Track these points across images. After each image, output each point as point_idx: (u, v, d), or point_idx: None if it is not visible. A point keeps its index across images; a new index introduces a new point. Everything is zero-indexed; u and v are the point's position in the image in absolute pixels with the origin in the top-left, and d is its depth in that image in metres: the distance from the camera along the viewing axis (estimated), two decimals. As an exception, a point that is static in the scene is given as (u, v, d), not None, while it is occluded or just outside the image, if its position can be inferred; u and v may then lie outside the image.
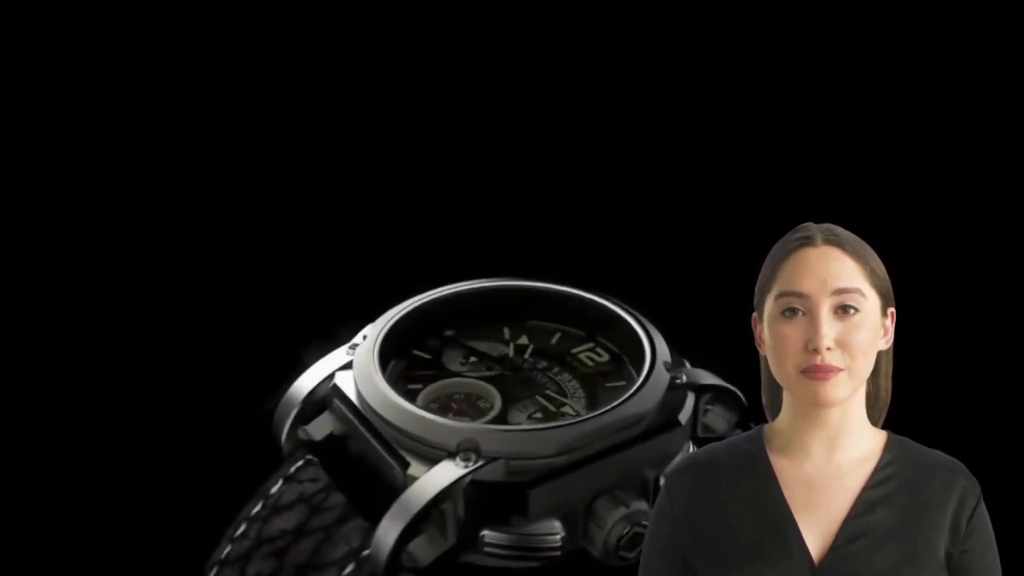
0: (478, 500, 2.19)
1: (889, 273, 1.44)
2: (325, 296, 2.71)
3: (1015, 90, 2.71)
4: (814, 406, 1.36)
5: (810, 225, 1.44)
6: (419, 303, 2.55)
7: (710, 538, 1.39)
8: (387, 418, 2.26)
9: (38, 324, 2.74)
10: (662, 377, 2.33)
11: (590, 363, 2.49)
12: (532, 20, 2.82)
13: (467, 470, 2.18)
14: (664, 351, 2.40)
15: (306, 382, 2.43)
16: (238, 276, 2.78)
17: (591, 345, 2.54)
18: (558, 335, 2.57)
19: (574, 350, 2.53)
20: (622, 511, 2.18)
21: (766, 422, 1.53)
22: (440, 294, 2.58)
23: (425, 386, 2.43)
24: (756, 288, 1.44)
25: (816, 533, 1.38)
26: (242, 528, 2.39)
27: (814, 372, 1.34)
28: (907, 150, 2.77)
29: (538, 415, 2.37)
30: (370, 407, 2.29)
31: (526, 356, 2.52)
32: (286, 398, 2.43)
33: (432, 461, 2.20)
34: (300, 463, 2.43)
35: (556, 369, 2.49)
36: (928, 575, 1.36)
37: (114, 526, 2.44)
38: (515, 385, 2.45)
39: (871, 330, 1.37)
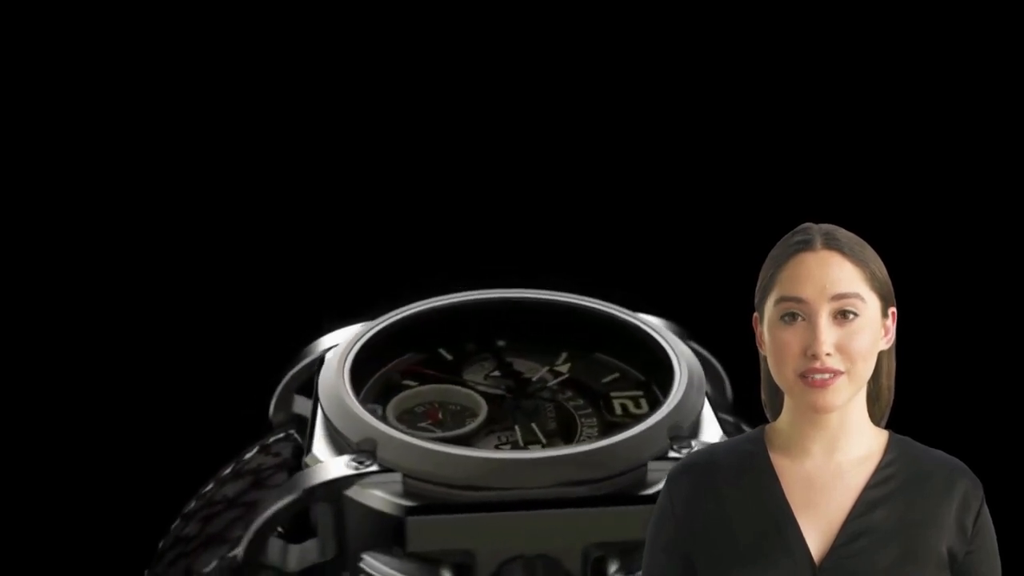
0: (359, 514, 1.84)
1: (890, 272, 1.40)
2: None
3: (1015, 90, 2.66)
4: (813, 412, 1.35)
5: (810, 226, 1.40)
6: (476, 299, 2.23)
7: (711, 537, 1.37)
8: (323, 401, 1.98)
9: (37, 324, 2.73)
10: (657, 442, 1.85)
11: (620, 411, 2.05)
12: (532, 20, 2.75)
13: (352, 472, 1.83)
14: (703, 422, 1.94)
15: (311, 350, 2.20)
16: (267, 269, 2.73)
17: (639, 393, 2.10)
18: (615, 375, 2.14)
19: (615, 393, 2.10)
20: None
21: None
22: (514, 296, 2.24)
23: (419, 385, 2.10)
24: (756, 289, 1.40)
25: (817, 532, 1.36)
26: (208, 487, 2.22)
27: (813, 379, 1.33)
28: (907, 150, 2.72)
29: (506, 445, 1.97)
30: (319, 388, 2.02)
31: (551, 383, 2.12)
32: (296, 364, 2.21)
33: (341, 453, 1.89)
34: (280, 436, 2.21)
35: (582, 403, 2.09)
36: (929, 574, 1.35)
37: (100, 520, 2.42)
38: (515, 409, 2.07)
39: (871, 334, 1.35)
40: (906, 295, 1.42)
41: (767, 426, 1.43)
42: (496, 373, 2.16)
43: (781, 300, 1.35)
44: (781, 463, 1.38)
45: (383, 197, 2.78)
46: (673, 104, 2.77)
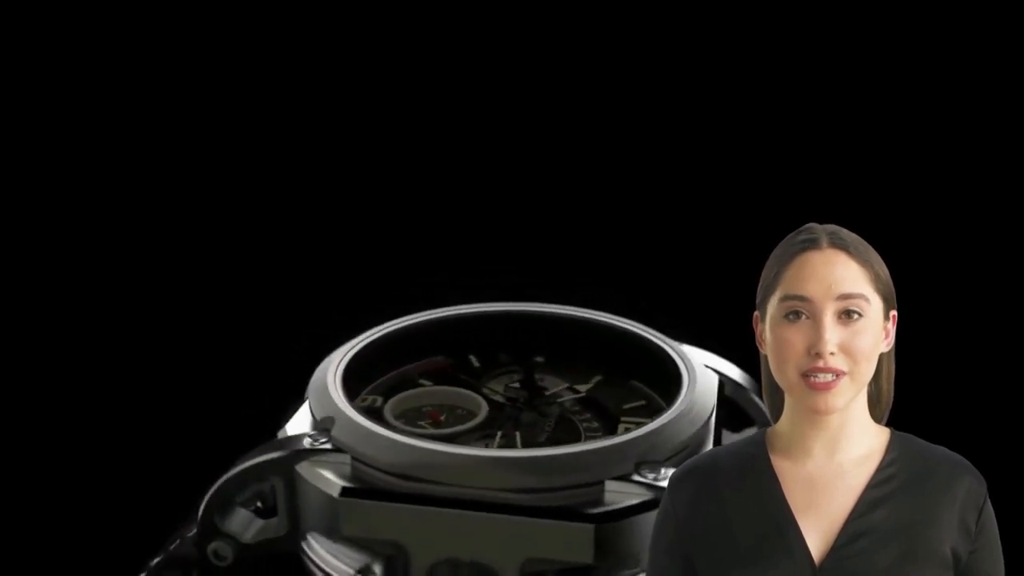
0: (306, 491, 1.80)
1: (892, 274, 1.39)
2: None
3: (1015, 90, 2.64)
4: (815, 414, 1.33)
5: (815, 226, 1.38)
6: (516, 311, 2.17)
7: (711, 539, 1.35)
8: (312, 379, 1.96)
9: (38, 325, 2.73)
10: (620, 463, 1.73)
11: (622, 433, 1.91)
12: (533, 21, 2.70)
13: (304, 447, 1.80)
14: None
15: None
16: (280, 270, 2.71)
17: (647, 420, 1.94)
18: (641, 403, 2.03)
19: (627, 417, 1.99)
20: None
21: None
22: (557, 312, 2.18)
23: (431, 385, 2.05)
24: (758, 288, 1.39)
25: (818, 533, 1.34)
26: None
27: (816, 380, 1.31)
28: (908, 150, 2.70)
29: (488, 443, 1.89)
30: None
31: (565, 399, 2.03)
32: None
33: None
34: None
35: (595, 424, 1.98)
36: (931, 574, 1.33)
37: (99, 521, 2.41)
38: (512, 418, 1.98)
39: (874, 335, 1.34)
40: (906, 296, 1.41)
41: (768, 429, 1.42)
42: (516, 384, 2.08)
43: (785, 298, 1.33)
44: (782, 465, 1.37)
45: (385, 199, 2.75)
46: (673, 104, 2.74)
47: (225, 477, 1.83)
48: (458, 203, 2.69)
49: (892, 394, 1.43)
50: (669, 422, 1.82)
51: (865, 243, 1.37)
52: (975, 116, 2.65)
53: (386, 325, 2.12)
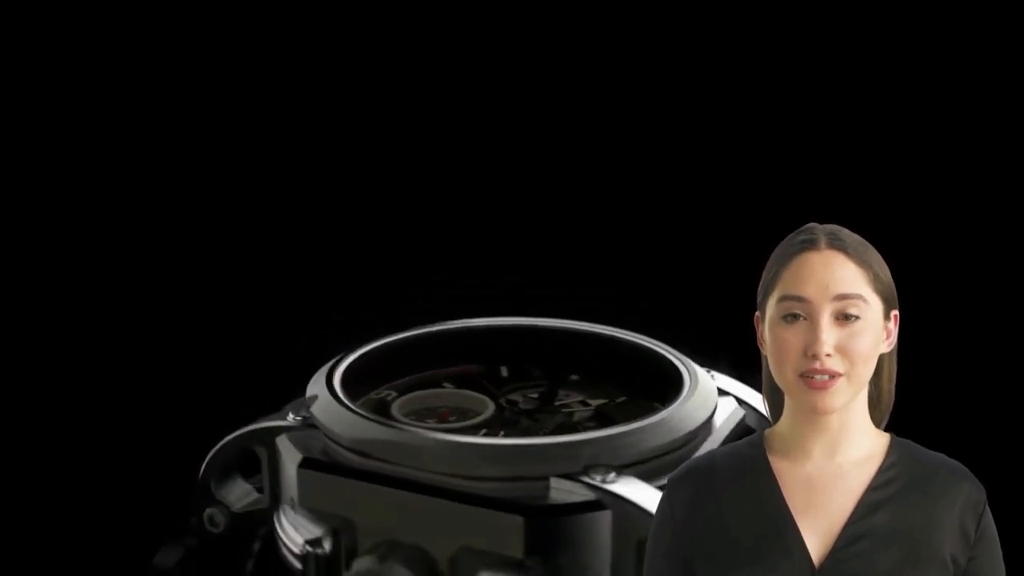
0: (279, 464, 1.86)
1: (893, 274, 1.39)
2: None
3: (1015, 90, 2.65)
4: (813, 414, 1.33)
5: (814, 226, 1.38)
6: (552, 327, 2.17)
7: (710, 541, 1.35)
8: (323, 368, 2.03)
9: (37, 326, 2.75)
10: (567, 462, 1.71)
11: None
12: (532, 22, 2.68)
13: (285, 422, 1.87)
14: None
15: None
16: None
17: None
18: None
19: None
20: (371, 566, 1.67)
21: None
22: (594, 331, 2.16)
23: (451, 388, 2.08)
24: (759, 288, 1.39)
25: (817, 535, 1.33)
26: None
27: (813, 380, 1.31)
28: (908, 150, 2.70)
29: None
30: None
31: (574, 411, 2.02)
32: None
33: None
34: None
35: None
36: None
37: (99, 519, 2.46)
38: (509, 422, 1.98)
39: (872, 336, 1.33)
40: (907, 297, 1.40)
41: (766, 430, 1.41)
42: (534, 395, 2.08)
43: (783, 299, 1.33)
44: (781, 466, 1.36)
45: (385, 199, 2.75)
46: (673, 104, 2.72)
47: (218, 446, 1.93)
48: (458, 203, 2.70)
49: (893, 395, 1.42)
50: (629, 431, 1.78)
51: (865, 243, 1.37)
52: (975, 116, 2.63)
53: (422, 328, 2.17)
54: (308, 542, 1.78)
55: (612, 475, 1.71)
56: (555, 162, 2.67)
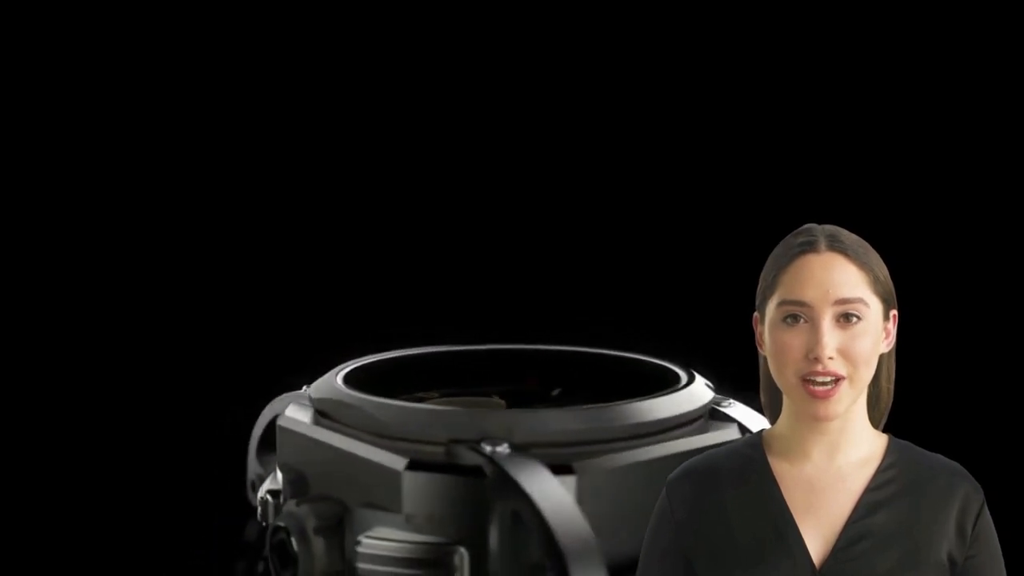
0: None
1: (891, 274, 1.41)
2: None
3: (1015, 90, 2.72)
4: (815, 421, 1.37)
5: (813, 228, 1.39)
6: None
7: (711, 542, 1.37)
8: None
9: (38, 328, 2.81)
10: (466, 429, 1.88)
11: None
12: (532, 30, 2.79)
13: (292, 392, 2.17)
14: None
15: None
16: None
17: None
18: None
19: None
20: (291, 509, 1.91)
21: None
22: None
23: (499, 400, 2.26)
24: (758, 289, 1.41)
25: (817, 535, 1.36)
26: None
27: (815, 388, 1.34)
28: (908, 150, 2.77)
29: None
30: None
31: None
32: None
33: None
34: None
35: None
36: None
37: (98, 520, 2.49)
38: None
39: (873, 338, 1.36)
40: (906, 297, 1.42)
41: (765, 431, 1.43)
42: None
43: (783, 303, 1.35)
44: (780, 467, 1.38)
45: (384, 209, 2.83)
46: (672, 104, 2.79)
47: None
48: (457, 209, 2.80)
49: (892, 395, 1.43)
50: (534, 413, 1.93)
51: (865, 244, 1.38)
52: (975, 116, 2.66)
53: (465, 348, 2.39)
54: (269, 491, 2.04)
55: (504, 448, 1.83)
56: (555, 168, 2.80)
